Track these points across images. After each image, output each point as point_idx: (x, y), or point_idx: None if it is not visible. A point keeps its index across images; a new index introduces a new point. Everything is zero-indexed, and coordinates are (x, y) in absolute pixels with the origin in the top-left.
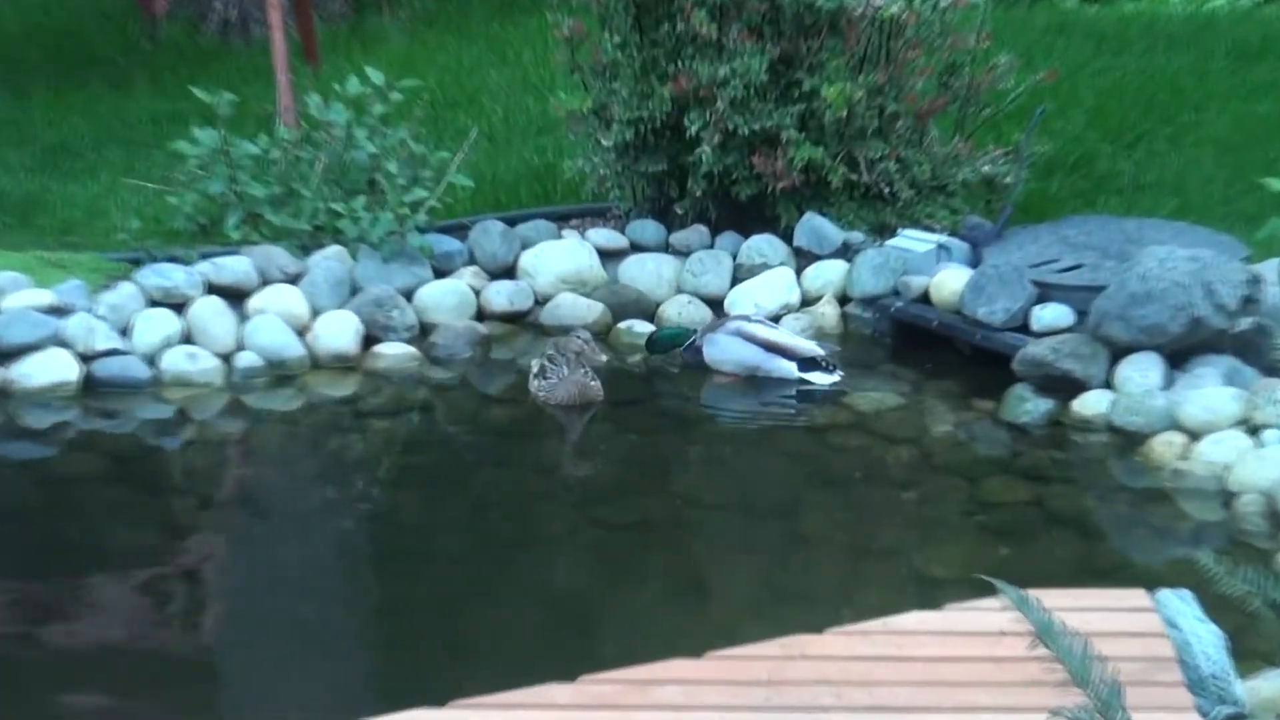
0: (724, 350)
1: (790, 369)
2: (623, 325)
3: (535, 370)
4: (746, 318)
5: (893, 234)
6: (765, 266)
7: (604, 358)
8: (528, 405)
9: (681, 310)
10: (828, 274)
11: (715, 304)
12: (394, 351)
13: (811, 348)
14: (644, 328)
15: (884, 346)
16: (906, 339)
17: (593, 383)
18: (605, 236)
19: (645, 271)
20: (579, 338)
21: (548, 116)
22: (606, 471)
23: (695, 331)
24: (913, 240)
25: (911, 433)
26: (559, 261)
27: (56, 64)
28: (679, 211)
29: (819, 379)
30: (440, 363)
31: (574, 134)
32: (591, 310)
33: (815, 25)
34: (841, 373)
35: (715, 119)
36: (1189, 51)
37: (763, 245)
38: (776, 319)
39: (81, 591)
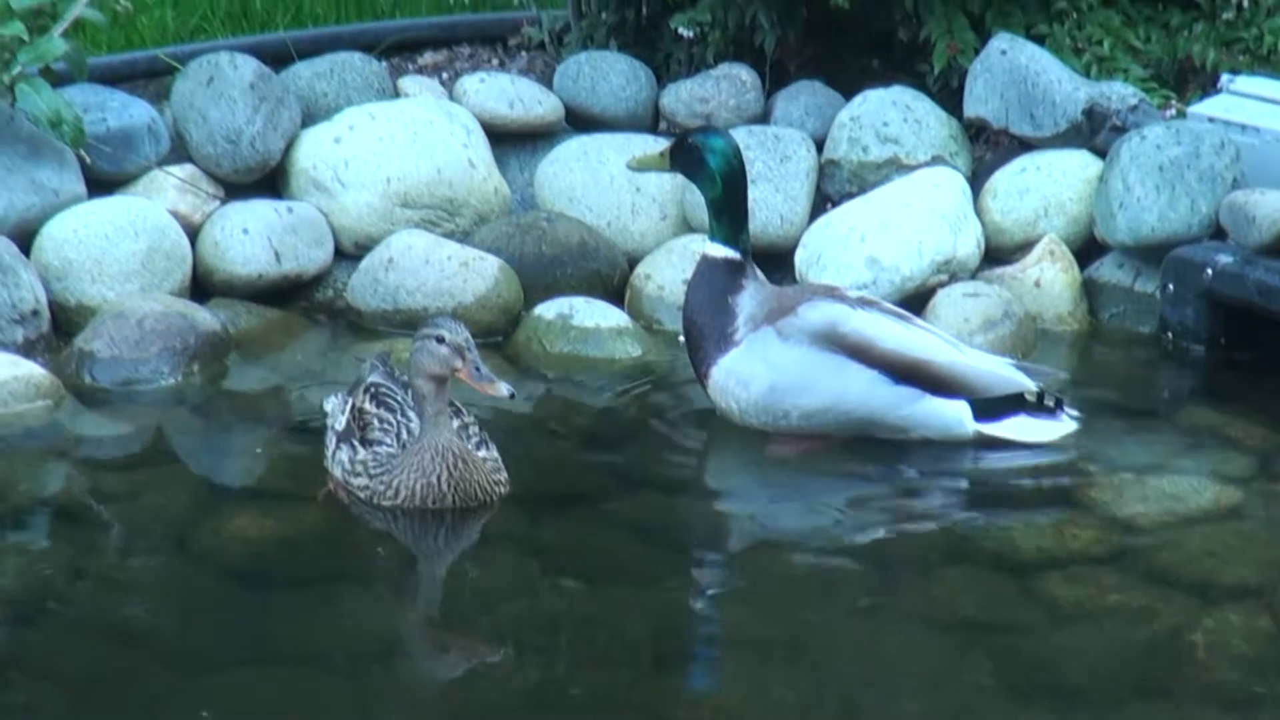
0: (794, 381)
1: (956, 417)
2: (546, 310)
3: (340, 425)
4: (840, 296)
5: (1210, 88)
6: (895, 166)
7: (507, 390)
8: (320, 511)
9: (688, 272)
10: (1047, 186)
11: (774, 258)
12: None
13: (1005, 370)
14: (597, 314)
15: (1187, 362)
16: (1243, 343)
17: (480, 453)
18: (504, 92)
19: (601, 179)
20: (445, 342)
21: None
22: (513, 673)
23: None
24: (1262, 105)
25: (1257, 575)
26: (393, 153)
27: None
28: (684, 35)
29: (1026, 433)
30: (103, 401)
31: None
32: (474, 275)
33: None
34: (1078, 417)
35: None
36: None
37: (888, 113)
38: (919, 302)
39: None
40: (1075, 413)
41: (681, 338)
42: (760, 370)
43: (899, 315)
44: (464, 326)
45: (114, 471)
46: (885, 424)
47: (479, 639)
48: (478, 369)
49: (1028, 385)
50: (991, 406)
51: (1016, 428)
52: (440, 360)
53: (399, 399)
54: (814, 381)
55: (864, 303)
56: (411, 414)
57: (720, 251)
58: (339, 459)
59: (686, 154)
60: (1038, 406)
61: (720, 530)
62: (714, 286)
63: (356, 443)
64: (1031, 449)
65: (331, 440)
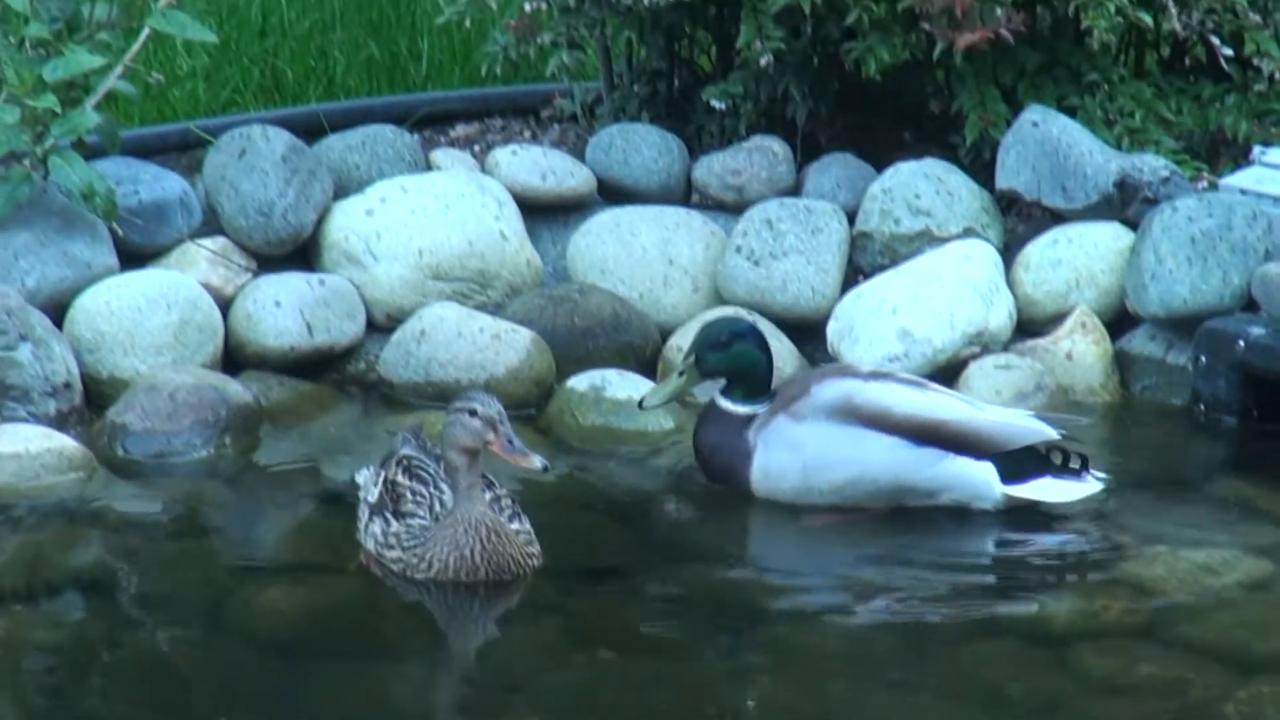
0: (817, 456)
1: (983, 479)
2: (579, 383)
3: (373, 497)
4: (853, 372)
5: (1241, 160)
6: (926, 238)
7: (540, 463)
8: (352, 583)
9: None
10: (1079, 257)
11: (805, 330)
12: (16, 445)
13: (1023, 420)
14: (630, 386)
15: (1219, 434)
16: (1276, 415)
17: (513, 526)
18: (536, 164)
19: (633, 251)
20: (477, 415)
21: None
22: None
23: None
24: None
25: None
26: (424, 225)
27: None
28: (717, 107)
29: (1052, 494)
30: (135, 473)
31: None
32: (506, 348)
33: None
34: (1103, 479)
35: None
36: None
37: (920, 185)
38: (950, 374)
39: None
40: (1101, 474)
41: (707, 479)
42: (786, 457)
43: (914, 383)
44: (496, 399)
45: (146, 544)
46: (913, 489)
47: (511, 712)
48: (510, 442)
49: (1048, 433)
50: (1017, 469)
51: (1043, 489)
52: (472, 433)
53: (431, 471)
54: (836, 454)
55: (877, 375)
56: (444, 486)
57: (738, 409)
58: (371, 531)
59: (713, 358)
60: (1063, 468)
61: (751, 603)
62: (724, 424)
63: (389, 515)
64: (1061, 521)
65: (364, 513)
